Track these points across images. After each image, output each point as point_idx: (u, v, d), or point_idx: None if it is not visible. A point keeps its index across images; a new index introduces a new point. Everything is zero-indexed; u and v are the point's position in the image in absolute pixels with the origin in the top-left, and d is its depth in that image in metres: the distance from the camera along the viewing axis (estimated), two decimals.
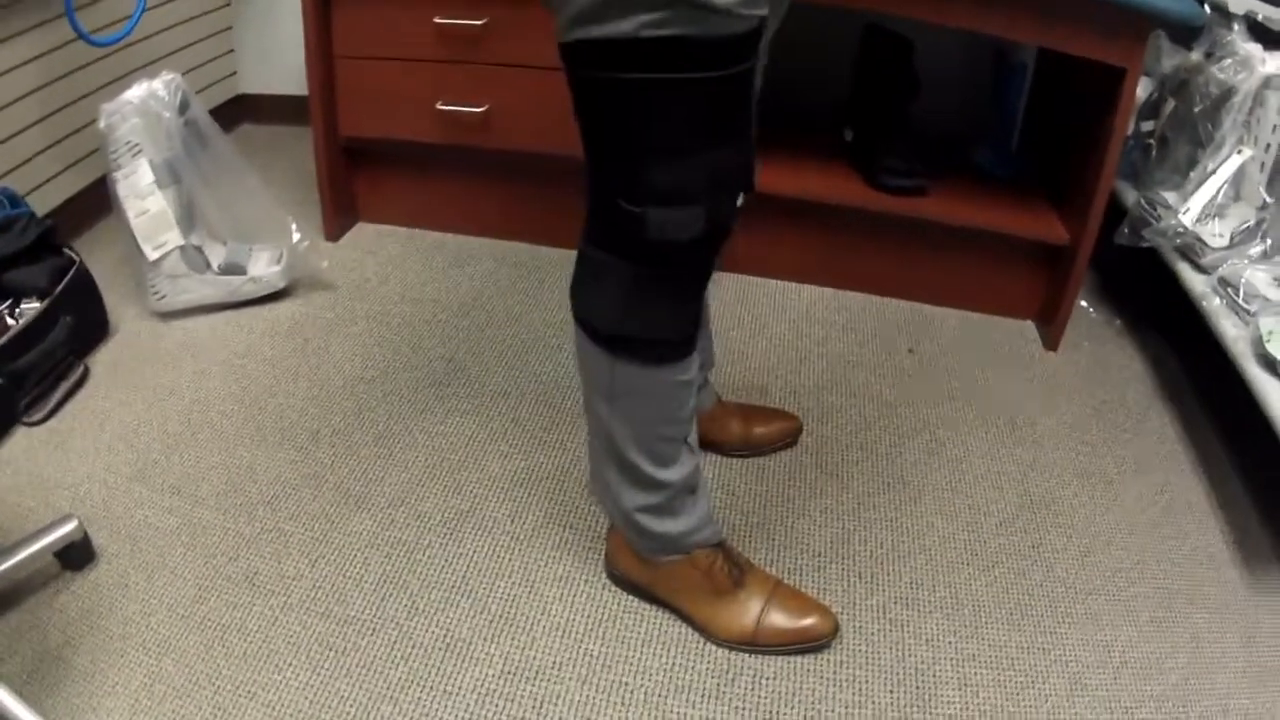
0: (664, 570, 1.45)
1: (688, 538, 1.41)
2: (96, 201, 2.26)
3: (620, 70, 1.04)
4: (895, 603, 1.53)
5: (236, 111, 3.04)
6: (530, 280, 2.33)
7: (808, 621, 1.42)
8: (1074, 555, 1.66)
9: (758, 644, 1.42)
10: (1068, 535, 1.70)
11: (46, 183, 2.31)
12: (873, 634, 1.47)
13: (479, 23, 2.12)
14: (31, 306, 1.91)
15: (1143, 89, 2.19)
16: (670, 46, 1.00)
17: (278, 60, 2.93)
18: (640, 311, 1.18)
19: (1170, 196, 2.07)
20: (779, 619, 1.42)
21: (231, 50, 2.97)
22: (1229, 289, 1.88)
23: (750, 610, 1.42)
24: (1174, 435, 1.98)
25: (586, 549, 1.59)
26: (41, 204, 2.26)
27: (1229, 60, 2.01)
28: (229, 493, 1.67)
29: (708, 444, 1.75)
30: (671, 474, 1.33)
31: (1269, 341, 1.71)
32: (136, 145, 2.00)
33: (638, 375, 1.24)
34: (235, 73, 3.01)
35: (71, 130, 2.36)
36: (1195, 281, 1.96)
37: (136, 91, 2.01)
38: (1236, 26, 2.04)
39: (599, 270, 1.19)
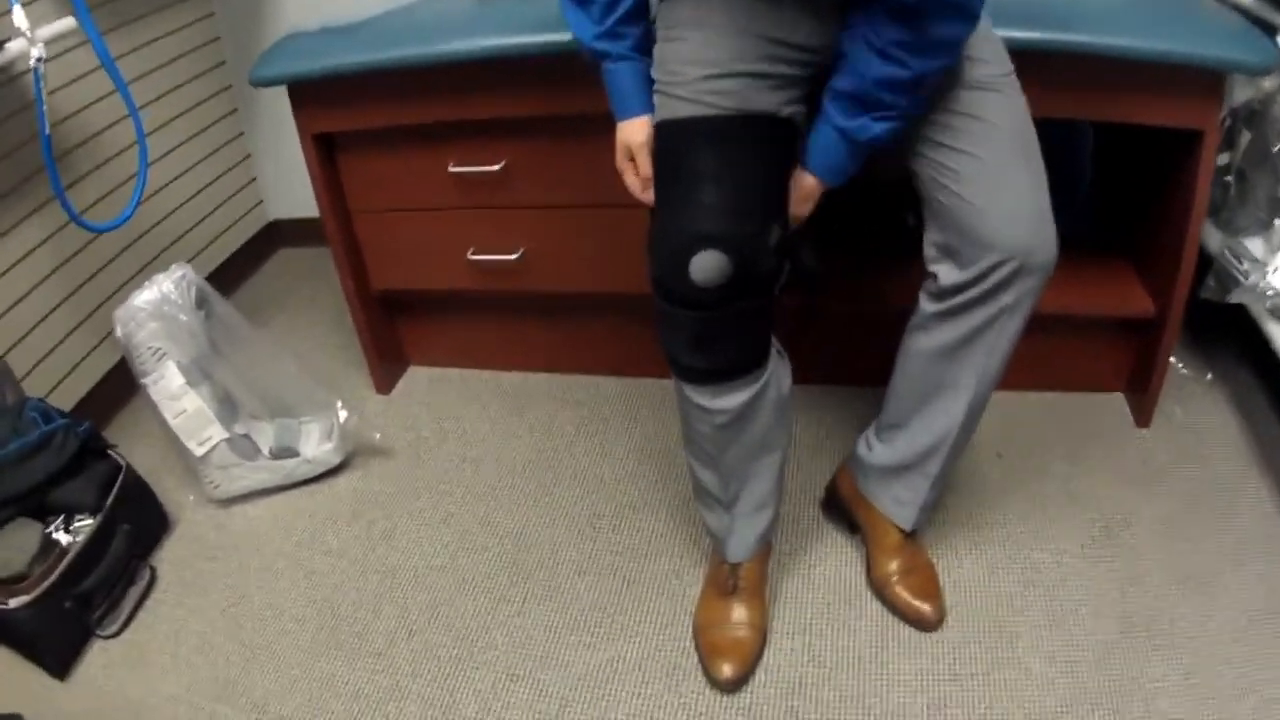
0: None
1: (714, 535, 1.81)
2: (126, 382, 2.31)
3: None
4: None
5: (271, 239, 3.17)
6: (593, 422, 2.38)
7: (715, 664, 1.75)
8: (1175, 681, 1.68)
9: (695, 633, 1.83)
10: (1168, 658, 1.71)
11: (72, 371, 2.39)
12: None
13: (496, 168, 2.14)
14: (85, 523, 1.94)
15: None
16: None
17: (301, 184, 2.97)
18: (662, 333, 1.56)
19: (1255, 246, 2.05)
20: (702, 637, 1.80)
21: (254, 179, 3.09)
22: None
23: (701, 609, 1.84)
24: (1271, 510, 1.97)
25: None
26: (70, 394, 2.36)
27: None
28: (312, 710, 1.77)
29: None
30: (698, 472, 1.73)
31: None
32: (159, 349, 2.05)
33: (675, 384, 1.63)
34: (261, 201, 3.13)
35: (90, 311, 2.44)
36: None
37: (148, 295, 2.05)
38: None
39: None
